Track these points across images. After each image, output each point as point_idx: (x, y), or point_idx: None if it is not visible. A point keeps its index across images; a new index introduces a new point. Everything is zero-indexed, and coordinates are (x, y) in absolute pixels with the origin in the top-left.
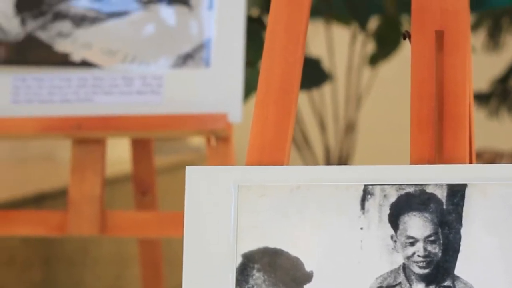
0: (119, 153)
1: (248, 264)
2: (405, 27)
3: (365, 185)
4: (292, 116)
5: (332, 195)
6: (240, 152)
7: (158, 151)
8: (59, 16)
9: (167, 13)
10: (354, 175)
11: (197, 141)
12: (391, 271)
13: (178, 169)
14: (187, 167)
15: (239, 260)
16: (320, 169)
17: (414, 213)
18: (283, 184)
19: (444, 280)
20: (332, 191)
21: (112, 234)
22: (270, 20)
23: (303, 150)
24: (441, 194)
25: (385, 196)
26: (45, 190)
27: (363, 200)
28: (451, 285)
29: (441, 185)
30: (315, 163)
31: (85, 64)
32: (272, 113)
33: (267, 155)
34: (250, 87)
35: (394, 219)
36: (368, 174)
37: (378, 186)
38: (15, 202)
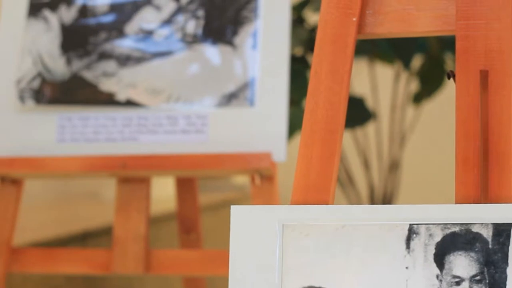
0: (163, 192)
1: None
2: (448, 65)
3: (410, 224)
4: (337, 156)
5: (377, 235)
6: (285, 190)
7: (202, 189)
8: (104, 56)
9: (211, 52)
10: (399, 214)
11: (241, 179)
12: None
13: (222, 207)
14: (232, 206)
15: None
16: (365, 209)
17: (459, 253)
18: (328, 224)
19: None
20: (377, 230)
21: (157, 272)
22: (315, 60)
23: (347, 189)
24: (487, 234)
25: (430, 235)
26: (90, 228)
27: (408, 239)
28: None
29: (486, 224)
30: (359, 201)
31: (130, 103)
32: (316, 153)
33: (312, 195)
34: (294, 126)
35: (440, 259)
36: (413, 213)
37: (424, 225)
38: (61, 240)
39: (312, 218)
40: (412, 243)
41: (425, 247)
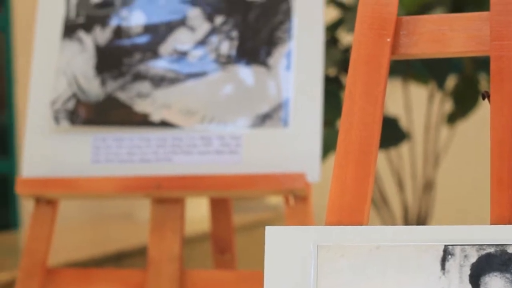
0: (197, 212)
1: None
2: (483, 86)
3: (445, 245)
4: (371, 177)
5: (412, 256)
6: (319, 211)
7: (236, 210)
8: (139, 77)
9: (245, 73)
10: (434, 235)
11: (275, 199)
12: None
13: (256, 228)
14: (266, 227)
15: None
16: (400, 229)
17: (495, 274)
18: (363, 245)
19: None
20: (412, 251)
21: None
22: (349, 80)
23: (381, 209)
24: None
25: (465, 256)
26: (125, 249)
27: (444, 260)
28: None
29: None
30: (393, 222)
31: (164, 124)
32: (351, 174)
33: (346, 215)
34: (328, 146)
35: (475, 280)
36: (448, 234)
37: (459, 246)
38: (95, 261)
39: (347, 239)
40: (447, 264)
41: (460, 268)
